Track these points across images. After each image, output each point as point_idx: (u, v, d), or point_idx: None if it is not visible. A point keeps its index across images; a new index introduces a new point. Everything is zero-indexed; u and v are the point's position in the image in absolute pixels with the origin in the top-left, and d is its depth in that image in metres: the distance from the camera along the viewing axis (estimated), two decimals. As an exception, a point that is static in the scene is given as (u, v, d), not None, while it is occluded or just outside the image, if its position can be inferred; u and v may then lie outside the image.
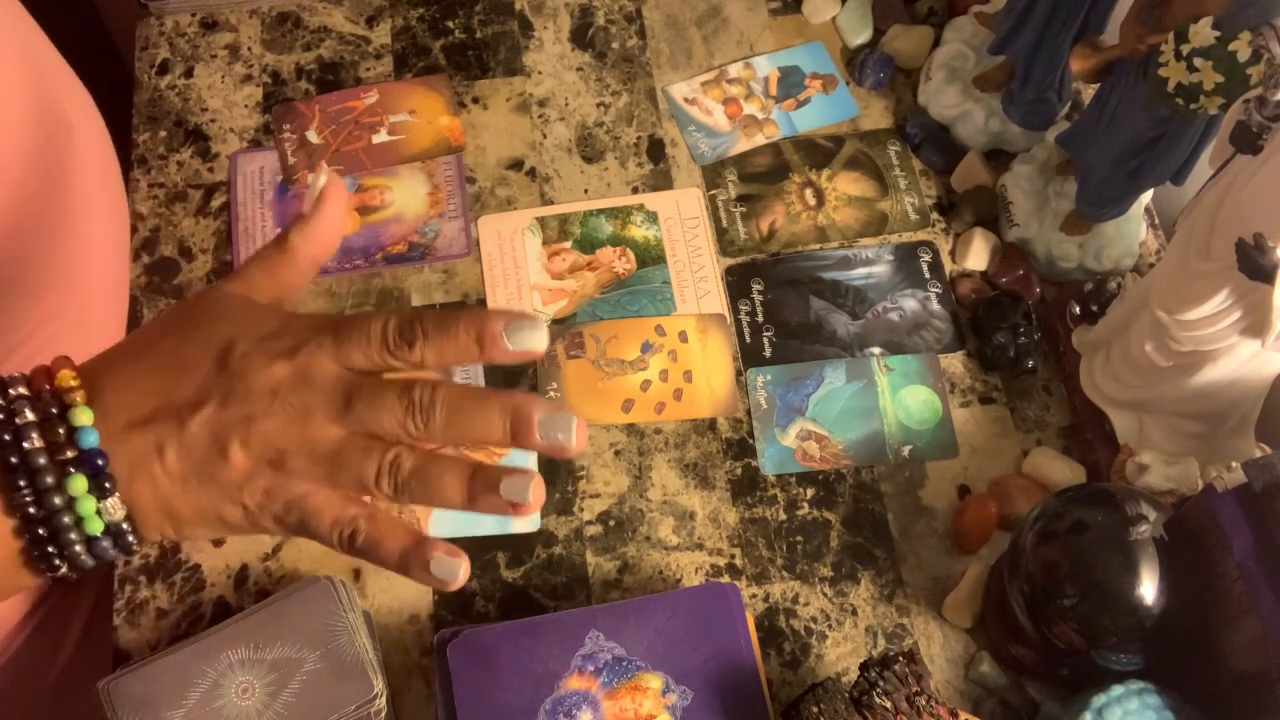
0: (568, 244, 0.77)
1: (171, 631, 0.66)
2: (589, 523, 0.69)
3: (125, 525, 0.41)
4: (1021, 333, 0.73)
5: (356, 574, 0.67)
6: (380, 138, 0.80)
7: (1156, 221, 0.79)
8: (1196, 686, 0.57)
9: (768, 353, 0.74)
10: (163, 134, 0.81)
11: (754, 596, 0.67)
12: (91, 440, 0.40)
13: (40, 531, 0.40)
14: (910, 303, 0.76)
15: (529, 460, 0.70)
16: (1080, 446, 0.72)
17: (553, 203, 0.79)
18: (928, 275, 0.77)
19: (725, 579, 0.68)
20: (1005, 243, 0.77)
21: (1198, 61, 0.57)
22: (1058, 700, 0.63)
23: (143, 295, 0.75)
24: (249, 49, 0.84)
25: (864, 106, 0.83)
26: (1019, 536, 0.59)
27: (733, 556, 0.68)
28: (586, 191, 0.80)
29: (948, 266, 0.78)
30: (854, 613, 0.67)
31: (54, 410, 0.40)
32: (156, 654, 0.58)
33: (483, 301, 0.75)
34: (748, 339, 0.75)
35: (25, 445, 0.39)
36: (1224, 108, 0.59)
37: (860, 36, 0.86)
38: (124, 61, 1.14)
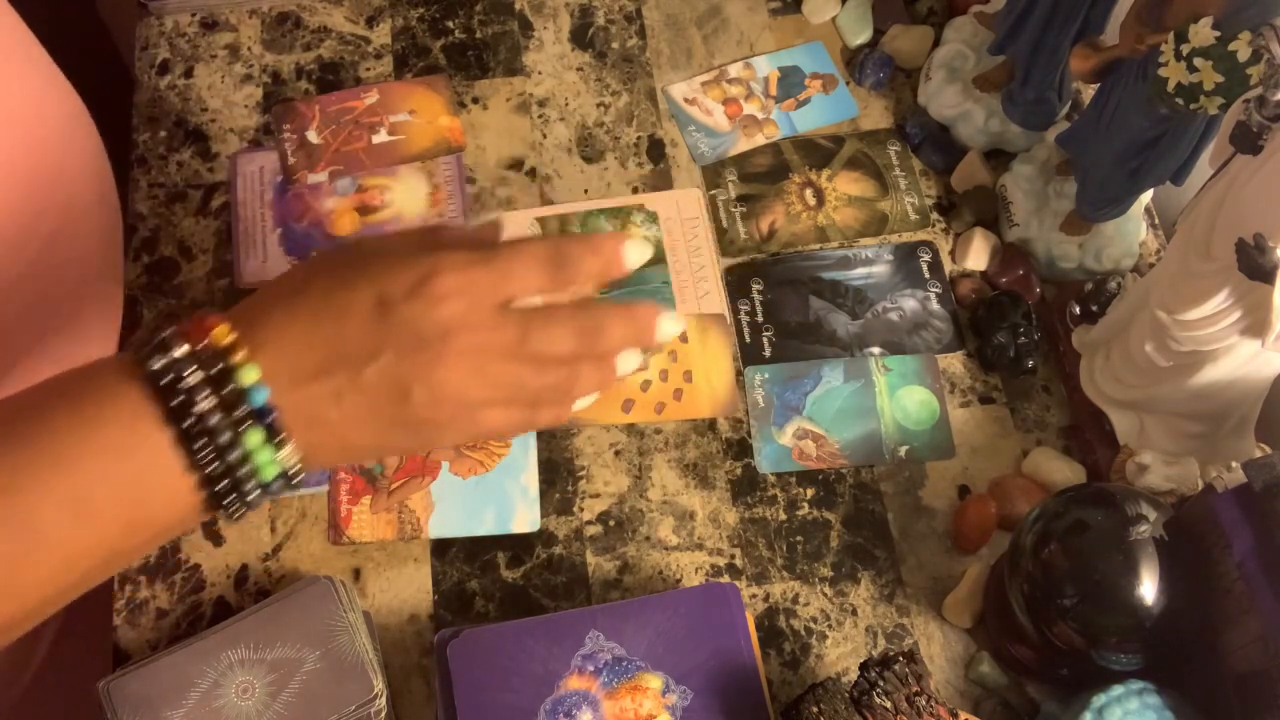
0: (568, 244, 0.77)
1: (171, 631, 0.66)
2: (589, 523, 0.69)
3: (297, 467, 0.43)
4: (1021, 333, 0.73)
5: (356, 574, 0.67)
6: (380, 138, 0.80)
7: (1156, 221, 0.79)
8: (1196, 686, 0.57)
9: (767, 353, 0.74)
10: (163, 134, 0.81)
11: (754, 596, 0.67)
12: (262, 397, 0.41)
13: (221, 485, 0.41)
14: (910, 303, 0.76)
15: (529, 460, 0.70)
16: (1080, 446, 0.72)
17: (553, 203, 0.79)
18: (927, 275, 0.77)
19: (725, 579, 0.68)
20: (1005, 243, 0.77)
21: (1198, 61, 0.57)
22: (1058, 700, 0.63)
23: (143, 295, 0.75)
24: (249, 49, 0.84)
25: (864, 106, 0.83)
26: (1019, 536, 0.59)
27: (733, 556, 0.68)
28: (586, 191, 0.80)
29: (948, 266, 0.78)
30: (854, 613, 0.67)
31: (219, 368, 0.40)
32: (156, 654, 0.58)
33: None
34: (747, 339, 0.75)
35: (198, 408, 0.40)
36: (1224, 108, 0.59)
37: (860, 36, 0.86)
38: (124, 61, 1.14)
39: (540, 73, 0.84)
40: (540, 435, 0.71)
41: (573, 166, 0.81)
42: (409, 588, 0.67)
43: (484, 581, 0.67)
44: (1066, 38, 0.72)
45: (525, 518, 0.69)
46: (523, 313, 0.45)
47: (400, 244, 0.45)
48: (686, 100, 0.83)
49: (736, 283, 0.77)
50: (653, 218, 0.79)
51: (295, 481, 0.43)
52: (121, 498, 0.40)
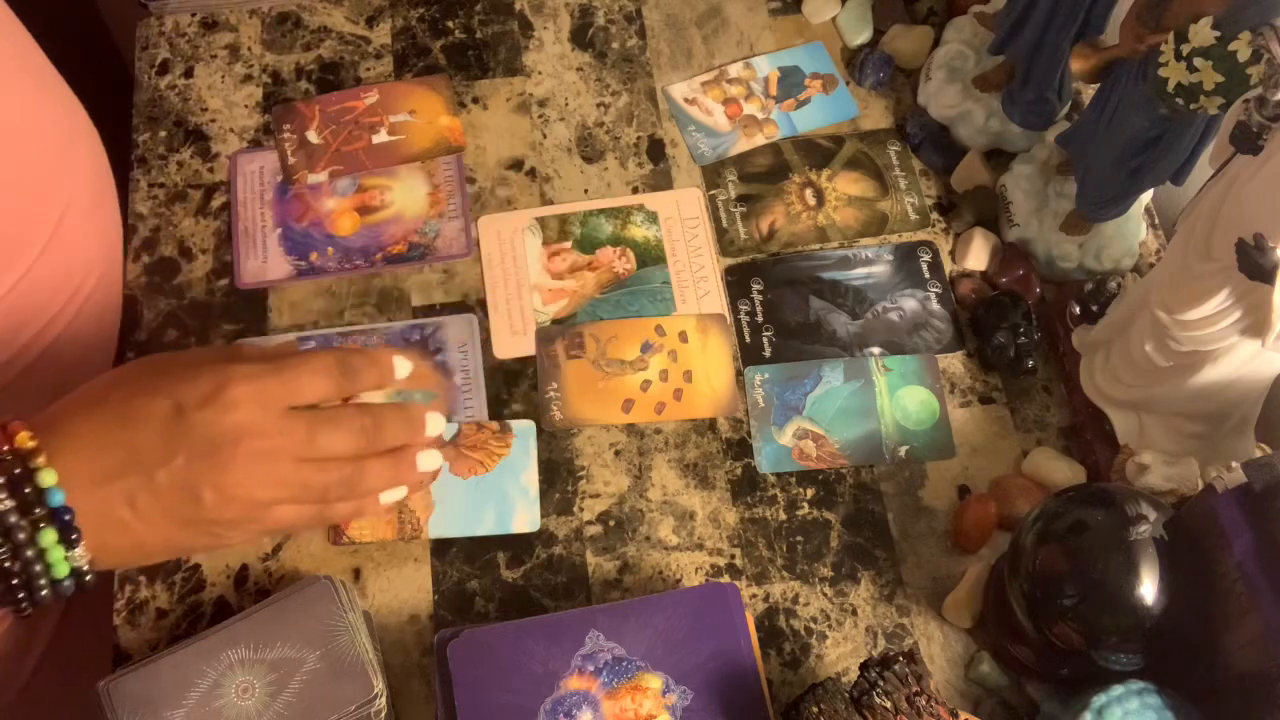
0: (568, 244, 0.77)
1: (171, 631, 0.66)
2: (589, 523, 0.69)
3: (88, 567, 0.45)
4: (1021, 333, 0.73)
5: (356, 574, 0.67)
6: (380, 138, 0.80)
7: (1156, 221, 0.79)
8: (1196, 686, 0.57)
9: (767, 353, 0.74)
10: (163, 134, 0.81)
11: (754, 596, 0.67)
12: (59, 499, 0.43)
13: (13, 581, 0.43)
14: (910, 303, 0.76)
15: (529, 460, 0.70)
16: (1080, 446, 0.72)
17: (553, 203, 0.79)
18: (927, 275, 0.77)
19: (725, 579, 0.68)
20: (1005, 243, 0.77)
21: (1198, 61, 0.57)
22: (1058, 700, 0.63)
23: (142, 295, 0.75)
24: (249, 49, 0.84)
25: (864, 106, 0.83)
26: (1019, 536, 0.59)
27: (733, 556, 0.68)
28: (586, 191, 0.80)
29: (948, 266, 0.78)
30: (854, 613, 0.67)
31: (18, 471, 0.43)
32: (156, 654, 0.58)
33: (482, 302, 0.75)
34: (747, 339, 0.75)
35: None
36: (1224, 108, 0.59)
37: (860, 36, 0.86)
38: (124, 61, 1.14)
39: (540, 73, 0.84)
40: (540, 435, 0.71)
41: (573, 166, 0.81)
42: (409, 588, 0.67)
43: (484, 581, 0.67)
44: (1066, 38, 0.72)
45: (525, 518, 0.69)
46: (308, 415, 0.49)
47: (198, 357, 0.49)
48: (686, 100, 0.83)
49: (736, 283, 0.77)
50: (653, 218, 0.79)
51: (87, 580, 0.45)
52: None
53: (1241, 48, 0.55)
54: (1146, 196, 0.76)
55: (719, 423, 0.72)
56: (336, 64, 0.84)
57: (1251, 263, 0.54)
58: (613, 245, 0.77)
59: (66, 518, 0.44)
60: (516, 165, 0.81)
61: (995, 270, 0.77)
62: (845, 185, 0.80)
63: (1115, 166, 0.69)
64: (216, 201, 0.79)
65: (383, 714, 0.58)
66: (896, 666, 0.55)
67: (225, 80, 0.83)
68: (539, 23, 0.86)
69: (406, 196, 0.79)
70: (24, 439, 0.44)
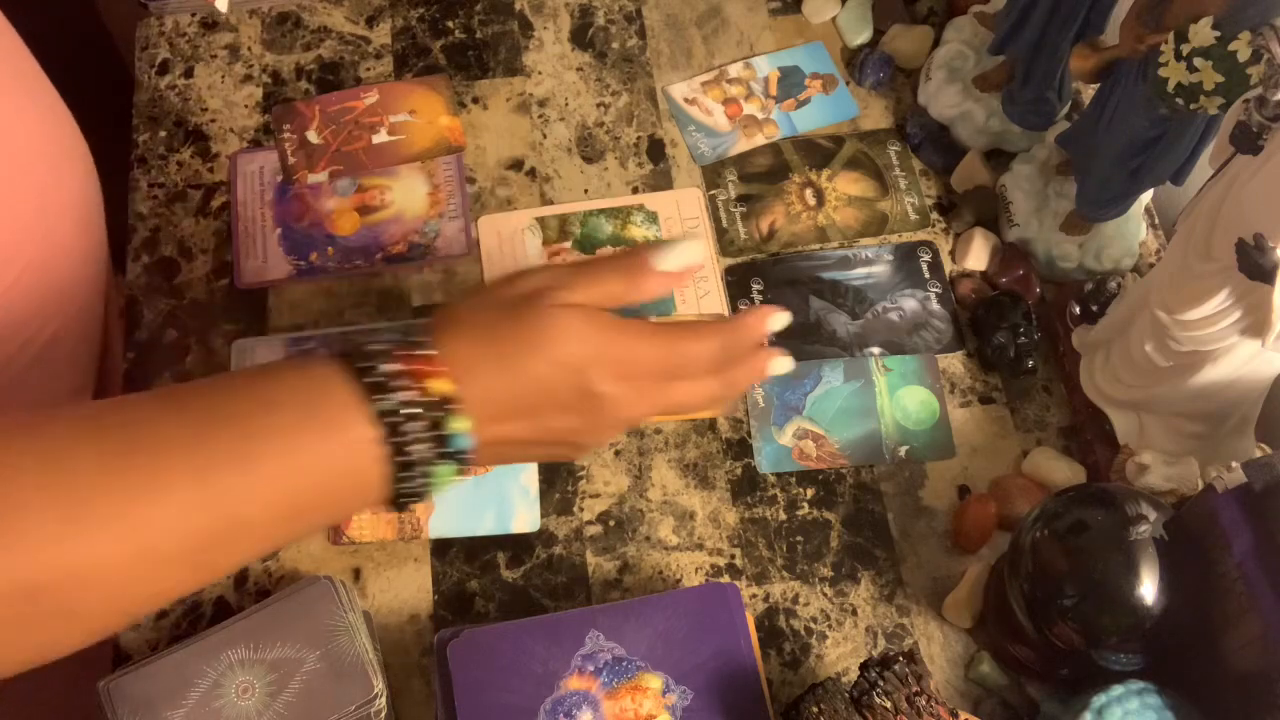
0: (568, 244, 0.77)
1: (171, 631, 0.66)
2: (589, 523, 0.69)
3: (459, 480, 0.48)
4: (1021, 333, 0.73)
5: (356, 574, 0.67)
6: (380, 138, 0.80)
7: (1156, 221, 0.79)
8: (1196, 686, 0.57)
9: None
10: (163, 134, 0.81)
11: (754, 596, 0.67)
12: (464, 443, 0.46)
13: (407, 497, 0.46)
14: (910, 303, 0.76)
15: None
16: (1080, 446, 0.72)
17: (553, 203, 0.79)
18: (927, 275, 0.77)
19: (725, 579, 0.68)
20: (1005, 243, 0.77)
21: (1198, 61, 0.57)
22: (1058, 700, 0.63)
23: (142, 295, 0.75)
24: (249, 49, 0.84)
25: (864, 106, 0.83)
26: (1019, 536, 0.59)
27: (733, 556, 0.68)
28: (586, 191, 0.80)
29: (948, 266, 0.78)
30: (854, 613, 0.67)
31: (437, 415, 0.45)
32: (156, 654, 0.58)
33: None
34: (748, 339, 0.75)
35: (416, 451, 0.45)
36: (1224, 108, 0.59)
37: (860, 36, 0.86)
38: (124, 61, 1.14)
39: (540, 73, 0.84)
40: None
41: (573, 166, 0.81)
42: (409, 588, 0.67)
43: (484, 581, 0.67)
44: (1066, 38, 0.72)
45: (525, 518, 0.69)
46: (686, 384, 0.51)
47: (610, 332, 0.49)
48: (686, 100, 0.83)
49: (736, 283, 0.77)
50: (653, 218, 0.79)
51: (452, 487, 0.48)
52: (328, 505, 0.45)
53: (1241, 48, 0.55)
54: (1146, 196, 0.76)
55: (719, 423, 0.72)
56: (336, 64, 0.84)
57: (1251, 263, 0.54)
58: (613, 245, 0.77)
59: (465, 456, 0.46)
60: (516, 165, 0.81)
61: (995, 270, 0.77)
62: (845, 185, 0.80)
63: (1115, 166, 0.69)
64: (216, 201, 0.79)
65: (383, 714, 0.58)
66: (896, 666, 0.55)
67: (225, 80, 0.83)
68: (539, 23, 0.86)
69: (406, 196, 0.79)
70: (444, 385, 0.45)
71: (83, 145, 0.71)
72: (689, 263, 0.52)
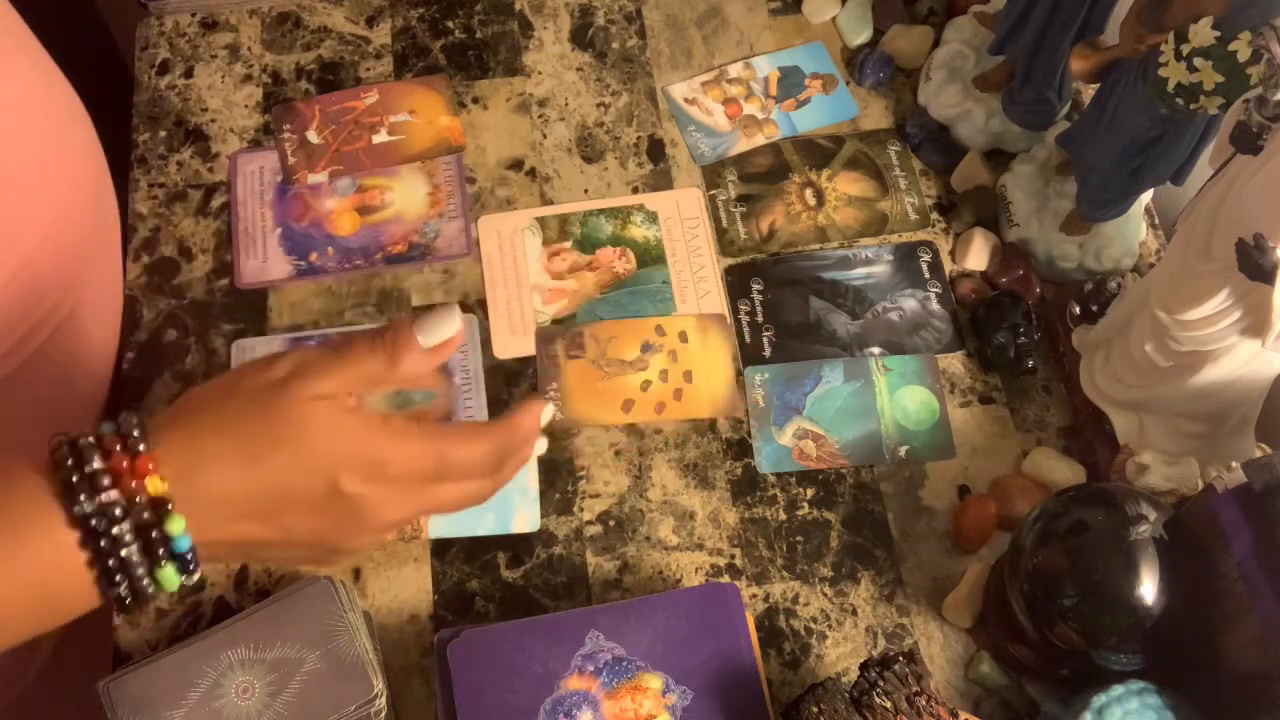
0: (568, 244, 0.77)
1: (171, 631, 0.66)
2: (589, 523, 0.69)
3: (196, 580, 0.45)
4: (1021, 333, 0.73)
5: (356, 574, 0.67)
6: (380, 138, 0.80)
7: (1156, 221, 0.79)
8: (1196, 686, 0.57)
9: (767, 353, 0.74)
10: (163, 134, 0.81)
11: (754, 596, 0.67)
12: (185, 545, 0.43)
13: (127, 602, 0.43)
14: (910, 303, 0.76)
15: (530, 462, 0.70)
16: (1080, 446, 0.72)
17: (553, 203, 0.79)
18: (927, 275, 0.77)
19: (725, 579, 0.68)
20: (1005, 243, 0.77)
21: (1198, 61, 0.57)
22: (1058, 700, 0.63)
23: (142, 295, 0.75)
24: (249, 49, 0.84)
25: (864, 106, 0.83)
26: (1019, 536, 0.59)
27: (733, 556, 0.68)
28: (586, 191, 0.80)
29: (948, 266, 0.78)
30: (854, 613, 0.67)
31: (147, 517, 0.42)
32: (156, 654, 0.58)
33: (482, 302, 0.75)
34: (747, 339, 0.75)
35: (123, 553, 0.42)
36: (1224, 108, 0.59)
37: (860, 36, 0.86)
38: (124, 61, 1.14)
39: (540, 73, 0.84)
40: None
41: (573, 166, 0.81)
42: (409, 588, 0.67)
43: (484, 581, 0.67)
44: (1066, 38, 0.72)
45: (525, 518, 0.69)
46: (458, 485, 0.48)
47: (360, 430, 0.46)
48: (686, 100, 0.83)
49: (736, 283, 0.77)
50: (653, 218, 0.79)
51: (184, 591, 0.46)
52: (32, 613, 0.42)
53: (1241, 48, 0.55)
54: (1146, 196, 0.76)
55: (719, 423, 0.72)
56: (336, 64, 0.84)
57: (1251, 263, 0.54)
58: (613, 245, 0.77)
59: (189, 557, 0.43)
60: (516, 165, 0.81)
61: (995, 270, 0.77)
62: (845, 185, 0.80)
63: (1115, 166, 0.69)
64: (216, 201, 0.79)
65: (383, 714, 0.58)
66: (896, 666, 0.55)
67: (225, 80, 0.83)
68: (539, 23, 0.86)
69: (406, 196, 0.79)
70: (155, 483, 0.42)
71: (84, 113, 0.71)
72: (447, 334, 0.48)
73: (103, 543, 0.41)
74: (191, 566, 0.44)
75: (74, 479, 0.41)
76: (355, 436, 0.45)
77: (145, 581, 0.43)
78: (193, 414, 0.45)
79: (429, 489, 0.47)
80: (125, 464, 0.42)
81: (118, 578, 0.42)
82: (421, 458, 0.46)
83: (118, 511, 0.41)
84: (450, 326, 0.48)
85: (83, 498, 0.41)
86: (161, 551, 0.42)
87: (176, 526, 0.42)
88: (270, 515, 0.45)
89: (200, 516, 0.43)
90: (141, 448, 0.42)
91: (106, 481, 0.41)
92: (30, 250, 0.63)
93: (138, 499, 0.42)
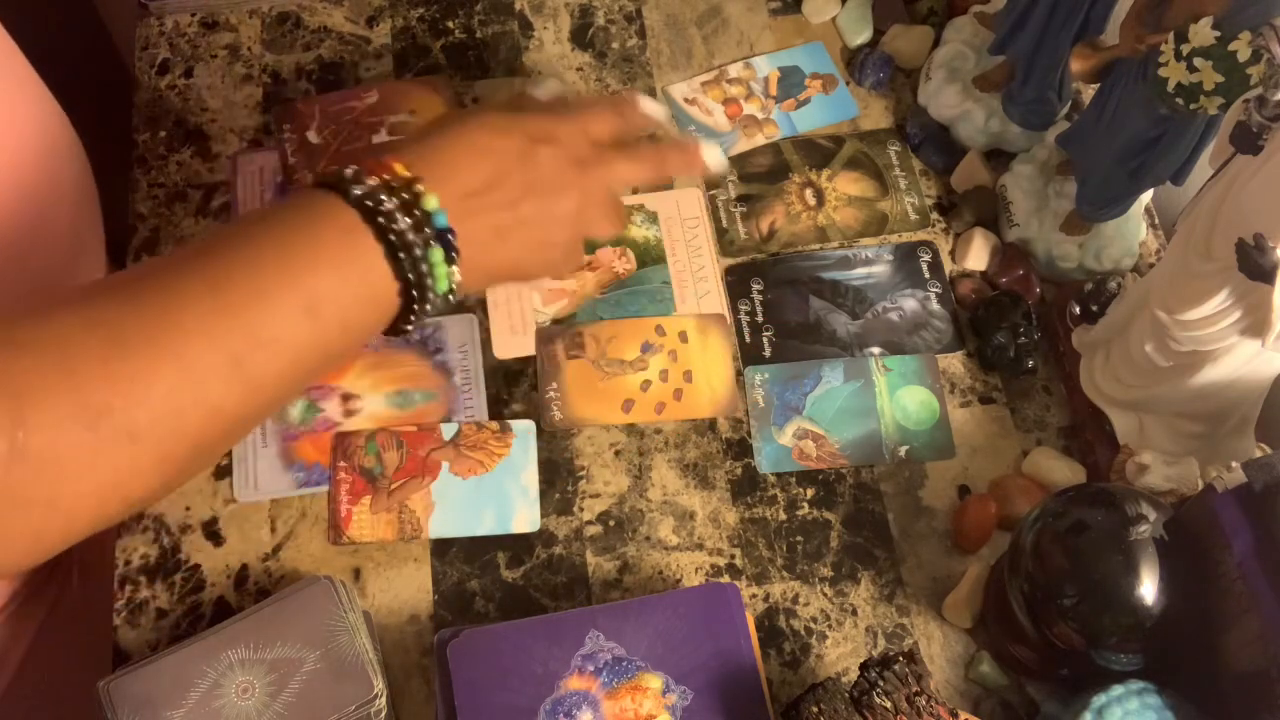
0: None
1: (171, 631, 0.66)
2: (589, 523, 0.69)
3: (457, 284, 0.50)
4: (1021, 333, 0.73)
5: (356, 574, 0.67)
6: (380, 138, 0.80)
7: (1156, 221, 0.79)
8: (1196, 686, 0.57)
9: (767, 353, 0.74)
10: (163, 134, 0.81)
11: (754, 596, 0.67)
12: (443, 220, 0.49)
13: (412, 291, 0.49)
14: (910, 303, 0.76)
15: (529, 460, 0.70)
16: (1080, 446, 0.72)
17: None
18: (927, 275, 0.77)
19: (725, 579, 0.68)
20: (1005, 243, 0.77)
21: (1198, 61, 0.57)
22: (1058, 700, 0.63)
23: (143, 295, 0.75)
24: (249, 49, 0.84)
25: (864, 106, 0.83)
26: (1019, 536, 0.59)
27: (733, 556, 0.68)
28: (586, 191, 0.80)
29: (948, 266, 0.78)
30: (854, 613, 0.67)
31: (406, 195, 0.48)
32: (156, 654, 0.58)
33: (482, 302, 0.75)
34: (747, 339, 0.75)
35: (398, 226, 0.48)
36: (1224, 108, 0.59)
37: (860, 36, 0.86)
38: (124, 61, 1.14)
39: (540, 73, 0.84)
40: (540, 435, 0.71)
41: (573, 166, 0.81)
42: (409, 588, 0.67)
43: (484, 581, 0.67)
44: (1066, 38, 0.72)
45: (525, 518, 0.69)
46: (612, 149, 0.57)
47: (519, 114, 0.55)
48: (686, 100, 0.83)
49: (736, 283, 0.77)
50: (653, 218, 0.79)
51: (452, 298, 0.51)
52: (342, 301, 0.47)
53: (1241, 48, 0.55)
54: (1146, 196, 0.76)
55: (719, 423, 0.72)
56: (336, 64, 0.84)
57: (1251, 263, 0.54)
58: (613, 245, 0.77)
59: (450, 237, 0.49)
60: (516, 165, 0.81)
61: (995, 270, 0.77)
62: (845, 185, 0.80)
63: (1115, 166, 0.69)
64: (216, 201, 0.79)
65: (383, 714, 0.58)
66: (896, 666, 0.55)
67: (225, 80, 0.83)
68: (539, 23, 0.86)
69: (406, 196, 0.78)
70: (401, 168, 0.49)
71: (73, 137, 0.71)
72: (657, 114, 0.59)
73: (380, 219, 0.47)
74: (454, 254, 0.49)
75: (339, 180, 0.48)
76: (522, 114, 0.54)
77: (423, 265, 0.48)
78: (411, 136, 0.54)
79: (595, 148, 0.56)
80: (373, 164, 0.49)
81: (400, 255, 0.47)
82: (568, 114, 0.56)
83: (382, 195, 0.48)
84: (658, 110, 0.60)
85: (354, 188, 0.48)
86: (427, 229, 0.48)
87: (432, 202, 0.48)
88: (492, 187, 0.51)
89: (445, 195, 0.49)
90: (381, 156, 0.49)
91: (366, 175, 0.48)
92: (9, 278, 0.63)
93: (393, 183, 0.48)
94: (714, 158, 0.60)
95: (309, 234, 0.47)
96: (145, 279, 0.45)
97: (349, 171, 0.48)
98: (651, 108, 0.60)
